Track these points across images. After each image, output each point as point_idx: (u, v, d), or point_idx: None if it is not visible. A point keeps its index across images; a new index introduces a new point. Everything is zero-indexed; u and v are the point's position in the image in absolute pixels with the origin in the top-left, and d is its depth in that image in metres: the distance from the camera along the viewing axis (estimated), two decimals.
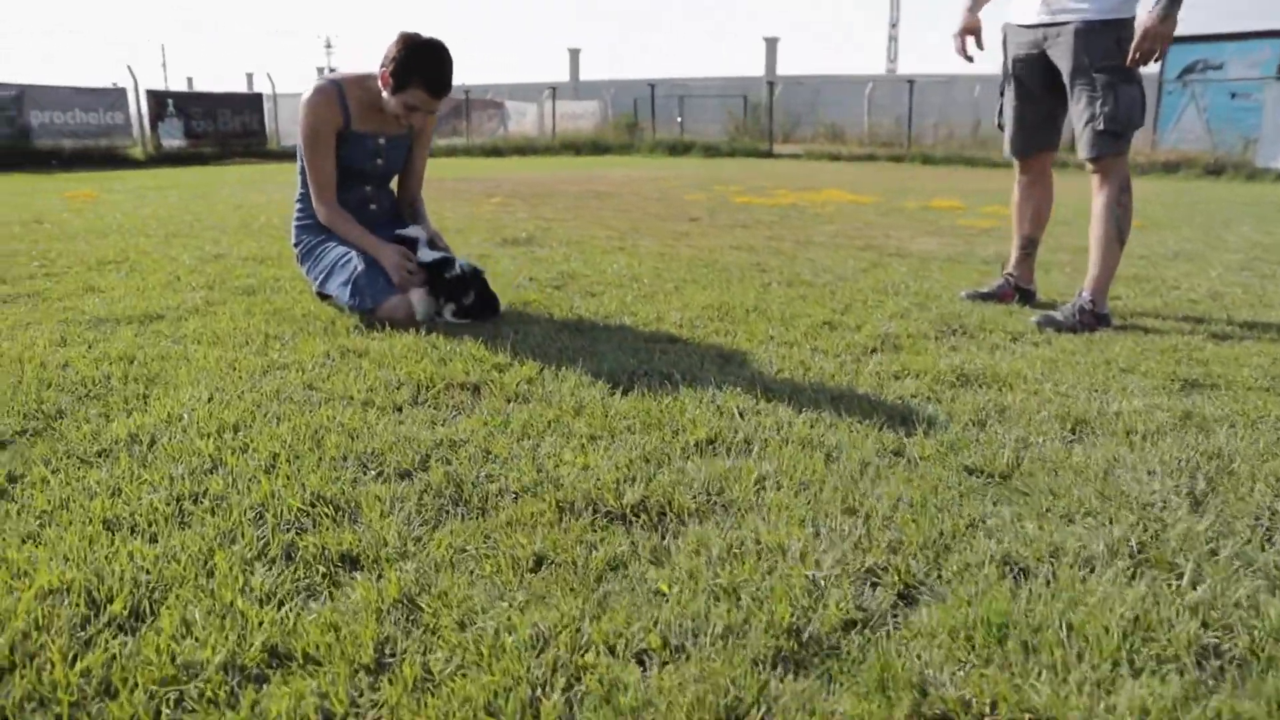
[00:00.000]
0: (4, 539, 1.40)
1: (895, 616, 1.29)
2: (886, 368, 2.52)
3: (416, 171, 3.24)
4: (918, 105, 20.80)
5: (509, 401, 2.14)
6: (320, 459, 1.74)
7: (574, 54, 30.00)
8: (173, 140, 15.35)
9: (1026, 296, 3.51)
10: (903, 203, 8.06)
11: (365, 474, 1.70)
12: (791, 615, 1.25)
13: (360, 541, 1.42)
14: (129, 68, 15.11)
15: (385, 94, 2.82)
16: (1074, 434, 2.05)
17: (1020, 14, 3.20)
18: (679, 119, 24.57)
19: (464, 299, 2.90)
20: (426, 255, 2.92)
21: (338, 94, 2.91)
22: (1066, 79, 3.07)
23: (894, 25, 33.22)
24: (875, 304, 3.38)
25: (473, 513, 1.56)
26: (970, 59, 3.30)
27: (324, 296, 3.13)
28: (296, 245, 3.14)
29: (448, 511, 1.56)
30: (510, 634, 1.18)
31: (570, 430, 1.94)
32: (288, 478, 1.65)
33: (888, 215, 6.88)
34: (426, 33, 2.81)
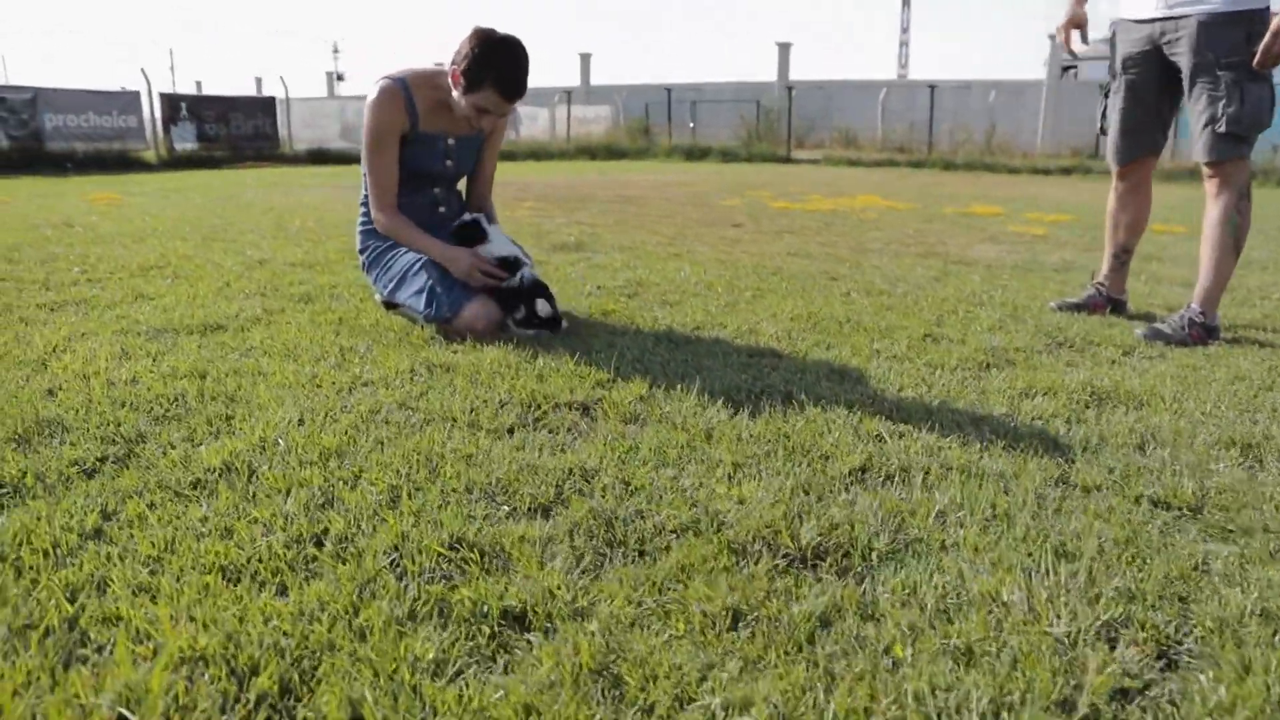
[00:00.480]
0: (114, 590, 1.20)
1: (1165, 683, 1.09)
2: (1011, 384, 2.33)
3: (486, 174, 3.05)
4: (927, 110, 20.67)
5: (626, 423, 1.95)
6: (443, 491, 1.55)
7: (585, 58, 29.79)
8: (185, 144, 15.18)
9: (1118, 307, 3.34)
10: (941, 209, 7.87)
11: (497, 509, 1.50)
12: (1054, 685, 1.06)
13: (523, 595, 1.22)
14: (142, 70, 14.96)
15: (455, 93, 2.63)
16: (1246, 459, 1.86)
17: (1134, 8, 3.00)
18: (691, 124, 24.44)
19: (516, 313, 2.69)
20: (500, 246, 2.71)
21: (404, 94, 2.71)
22: (1186, 77, 2.88)
23: (904, 31, 33.09)
24: (967, 315, 3.18)
25: (633, 556, 1.37)
26: (1074, 55, 3.11)
27: (391, 306, 2.94)
28: (362, 252, 2.94)
29: (604, 555, 1.37)
30: (744, 715, 0.98)
31: (708, 457, 1.75)
32: (416, 515, 1.45)
33: (931, 222, 6.69)
34: (501, 29, 2.60)
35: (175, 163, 14.24)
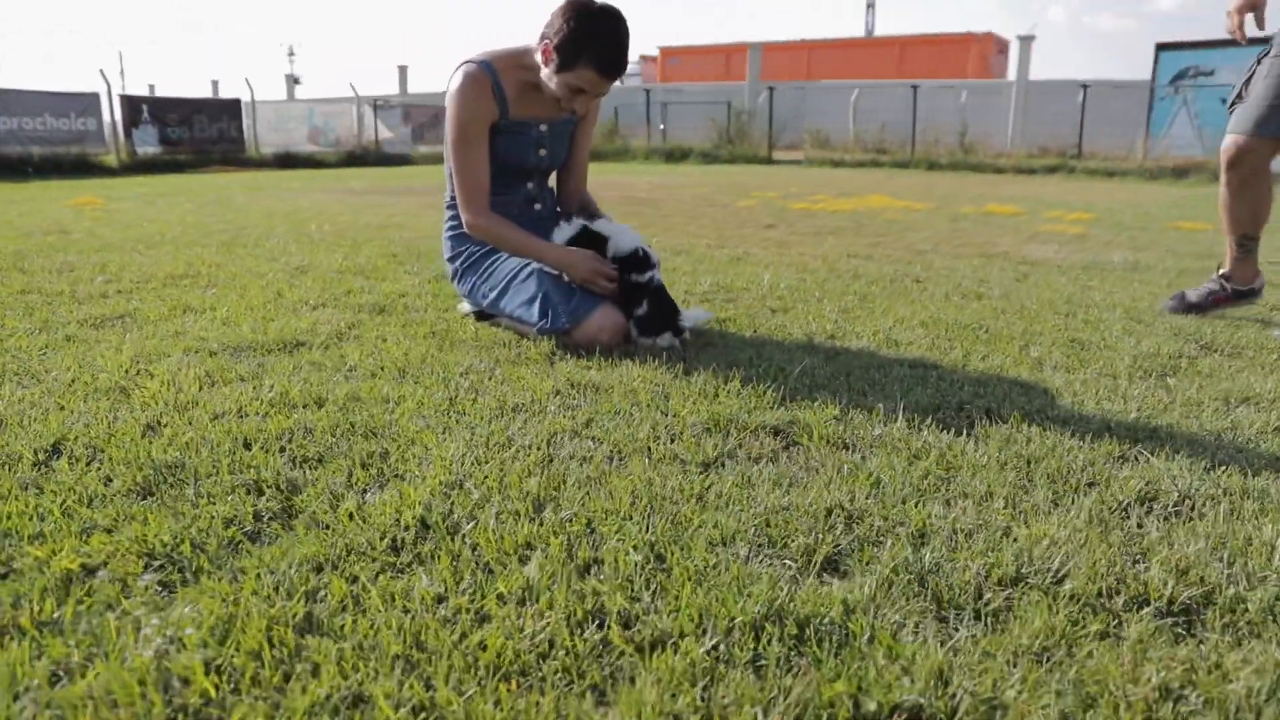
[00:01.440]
0: (385, 712, 0.90)
1: None
2: (1203, 393, 2.10)
3: (581, 161, 2.75)
4: (899, 111, 20.70)
5: (837, 449, 1.68)
6: (708, 545, 1.26)
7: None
8: (147, 147, 14.53)
9: (1246, 295, 3.11)
10: (959, 208, 7.72)
11: (784, 565, 1.22)
12: None
13: (910, 688, 0.95)
14: (101, 72, 14.29)
15: (546, 71, 2.34)
16: None
17: None
18: (661, 126, 24.24)
19: (639, 308, 2.39)
20: (624, 240, 2.43)
21: (491, 80, 2.41)
22: None
23: (869, 33, 33.24)
24: (1090, 319, 2.97)
25: (986, 619, 1.10)
26: (1245, 41, 2.84)
27: (484, 317, 2.64)
28: (453, 259, 2.63)
29: (948, 619, 1.10)
30: None
31: (966, 489, 1.49)
32: (696, 579, 1.17)
33: (958, 221, 6.52)
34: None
35: (137, 167, 13.61)
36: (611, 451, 1.62)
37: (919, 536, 1.32)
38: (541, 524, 1.31)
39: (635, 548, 1.24)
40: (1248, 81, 2.90)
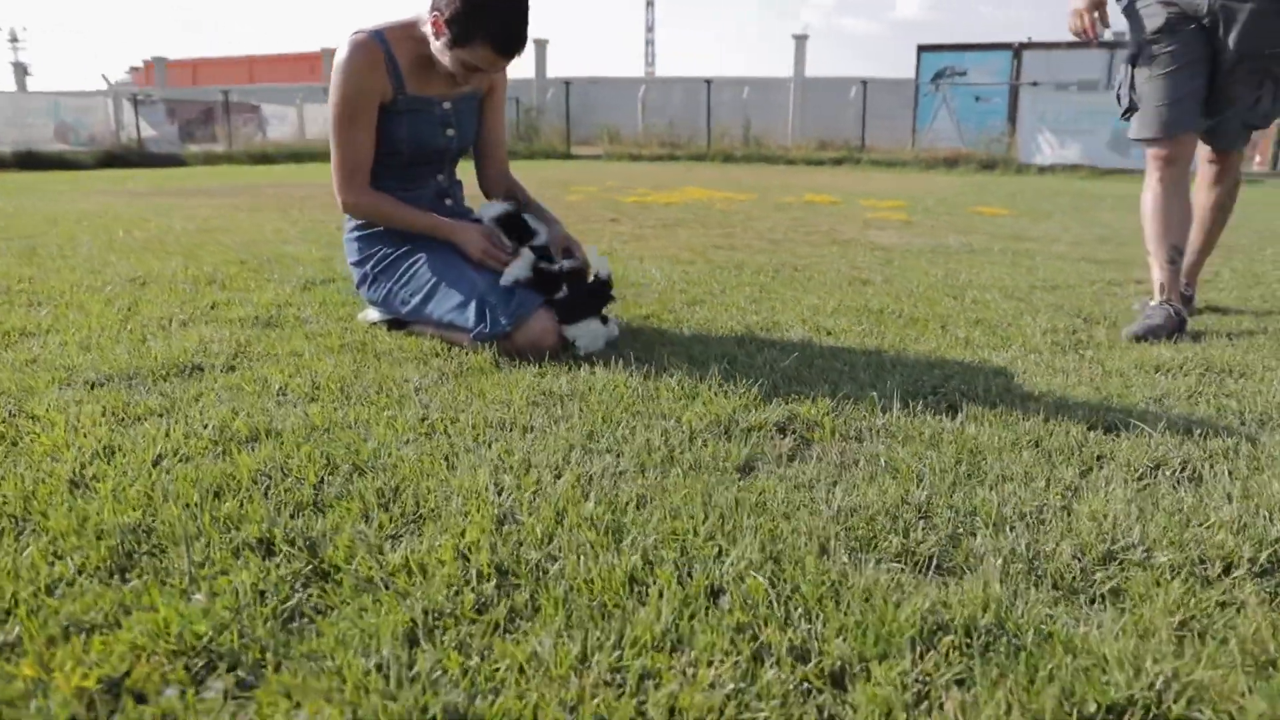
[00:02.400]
0: None
1: None
2: (1126, 362, 2.28)
3: (496, 141, 2.54)
4: (685, 106, 21.40)
5: (851, 441, 1.64)
6: (823, 559, 1.17)
7: (328, 54, 27.78)
8: None
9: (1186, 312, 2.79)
10: (779, 198, 8.04)
11: (899, 569, 1.15)
12: None
13: (1110, 677, 0.91)
14: None
15: (437, 45, 2.13)
16: None
17: None
18: None
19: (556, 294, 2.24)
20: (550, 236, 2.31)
21: (384, 52, 2.19)
22: (1230, 62, 2.68)
23: (650, 30, 34.04)
24: (979, 300, 3.15)
25: (1106, 599, 1.09)
26: (1096, 41, 2.85)
27: (396, 325, 2.39)
28: (362, 262, 2.36)
29: (1077, 604, 1.08)
30: None
31: (1003, 472, 1.50)
32: (860, 603, 1.08)
33: (788, 211, 6.79)
34: None
35: None
36: (638, 464, 1.49)
37: (995, 524, 1.30)
38: (631, 554, 1.16)
39: (749, 568, 1.13)
40: (1131, 88, 2.82)
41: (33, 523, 1.23)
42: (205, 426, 1.60)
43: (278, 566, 1.12)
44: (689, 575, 1.12)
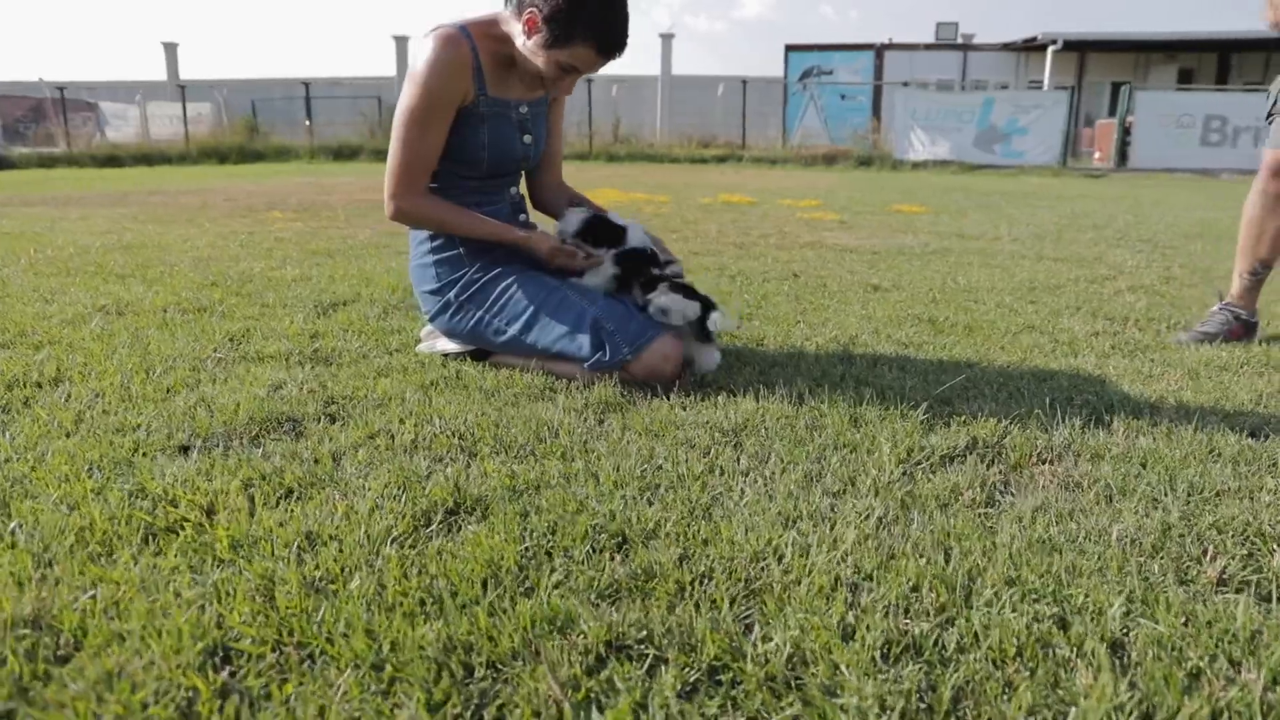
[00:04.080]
0: None
1: None
2: (1182, 361, 2.36)
3: (559, 148, 2.38)
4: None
5: (1046, 464, 1.60)
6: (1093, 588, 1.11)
7: (170, 49, 25.84)
8: None
9: (1251, 330, 2.72)
10: (696, 199, 8.05)
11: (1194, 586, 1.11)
12: None
13: None
14: None
15: (529, 44, 1.95)
16: None
17: None
18: (307, 122, 22.49)
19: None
20: (636, 237, 2.19)
21: (471, 51, 2.00)
22: None
23: None
24: (1001, 304, 3.22)
25: None
26: None
27: (478, 356, 2.18)
28: (442, 290, 2.13)
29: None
30: None
31: (1240, 488, 1.49)
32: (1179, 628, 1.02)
33: (714, 213, 6.79)
34: None
35: None
36: (885, 503, 1.39)
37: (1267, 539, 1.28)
38: (1023, 616, 1.06)
39: (1134, 614, 1.05)
40: None
41: (320, 650, 1.00)
42: (384, 496, 1.38)
43: (606, 671, 0.95)
44: (1092, 632, 1.03)
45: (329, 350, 2.27)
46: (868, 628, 1.03)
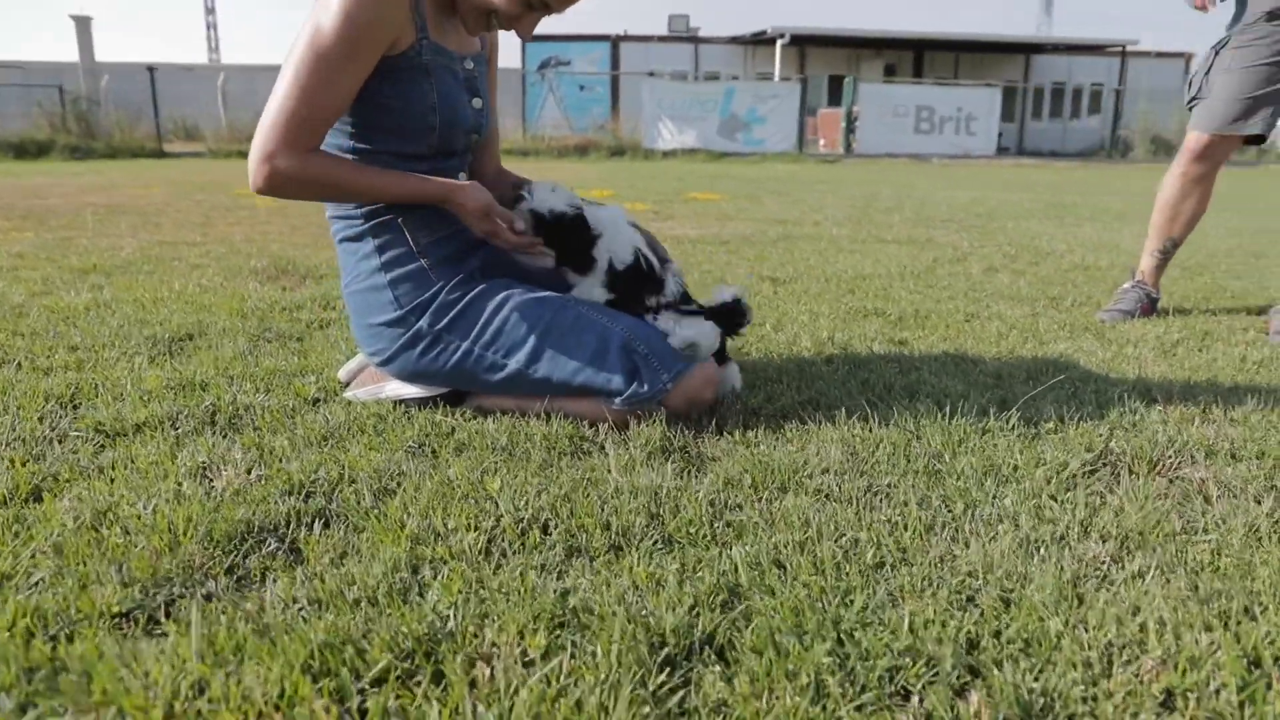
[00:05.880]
0: None
1: None
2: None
3: (497, 130, 1.89)
4: (241, 96, 19.41)
5: (1153, 466, 1.45)
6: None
7: None
8: None
9: (1153, 306, 2.83)
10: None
11: None
12: None
13: None
14: None
15: None
16: None
17: None
18: None
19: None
20: (622, 243, 1.69)
21: None
22: None
23: (210, 12, 30.10)
24: (993, 293, 3.14)
25: None
26: (1210, 8, 2.58)
27: (453, 400, 1.68)
28: (404, 319, 1.60)
29: None
30: None
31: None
32: None
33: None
34: None
35: None
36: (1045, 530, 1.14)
37: None
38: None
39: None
40: (1206, 74, 2.64)
41: None
42: (606, 658, 0.91)
43: None
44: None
45: (227, 409, 1.64)
46: None
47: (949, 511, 1.25)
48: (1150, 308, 2.78)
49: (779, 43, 20.20)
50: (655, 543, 1.15)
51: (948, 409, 1.67)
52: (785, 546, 1.13)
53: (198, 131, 19.18)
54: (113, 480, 1.31)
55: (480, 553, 1.11)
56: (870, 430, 1.57)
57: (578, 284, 1.70)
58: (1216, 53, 2.61)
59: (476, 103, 1.67)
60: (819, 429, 1.58)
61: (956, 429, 1.57)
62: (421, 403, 1.68)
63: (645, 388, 1.56)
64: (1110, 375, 2.00)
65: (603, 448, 1.49)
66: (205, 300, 2.66)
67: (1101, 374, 2.01)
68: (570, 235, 1.64)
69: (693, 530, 1.18)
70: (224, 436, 1.52)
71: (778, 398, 1.77)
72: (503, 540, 1.15)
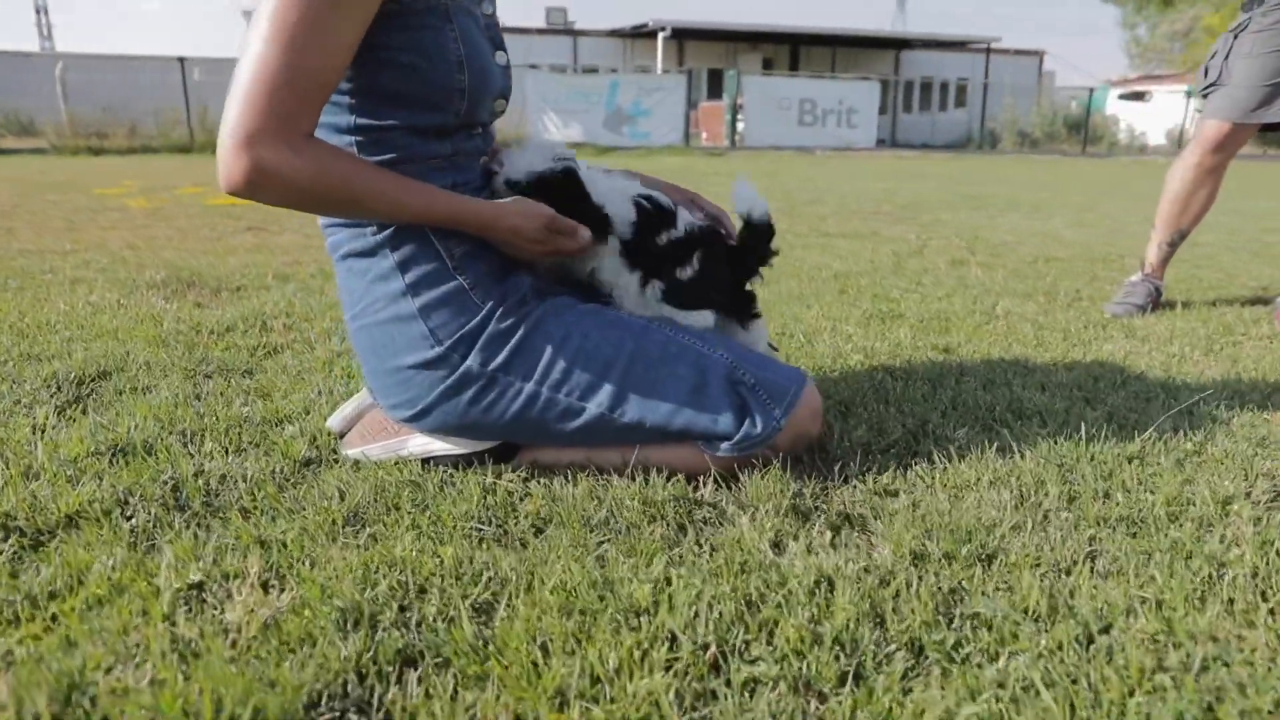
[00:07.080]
0: None
1: None
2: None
3: None
4: (119, 88, 17.95)
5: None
6: None
7: None
8: None
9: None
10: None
11: None
12: None
13: None
14: None
15: None
16: None
17: None
18: None
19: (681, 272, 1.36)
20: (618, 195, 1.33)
21: None
22: None
23: None
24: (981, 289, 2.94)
25: None
26: None
27: (502, 457, 1.30)
28: (447, 356, 1.21)
29: None
30: None
31: None
32: None
33: None
34: None
35: None
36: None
37: None
38: None
39: None
40: (1225, 59, 2.49)
41: None
42: None
43: None
44: None
45: (193, 483, 1.21)
46: None
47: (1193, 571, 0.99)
48: (1158, 300, 2.66)
49: (661, 35, 20.05)
50: (910, 667, 0.83)
51: (1067, 432, 1.42)
52: (1067, 647, 0.83)
53: (34, 126, 17.59)
54: (56, 623, 0.88)
55: (684, 708, 0.77)
56: (1014, 464, 1.31)
57: (599, 265, 1.32)
58: (1235, 36, 2.47)
59: (501, 57, 1.29)
60: (955, 468, 1.30)
61: (1103, 458, 1.33)
62: (457, 460, 1.29)
63: (759, 428, 1.23)
64: (1177, 380, 1.81)
65: (723, 513, 1.16)
66: (105, 324, 2.15)
67: (1166, 379, 1.81)
68: (562, 198, 1.25)
69: (939, 640, 0.87)
70: (202, 528, 1.10)
71: (881, 428, 1.48)
72: (693, 682, 0.80)
